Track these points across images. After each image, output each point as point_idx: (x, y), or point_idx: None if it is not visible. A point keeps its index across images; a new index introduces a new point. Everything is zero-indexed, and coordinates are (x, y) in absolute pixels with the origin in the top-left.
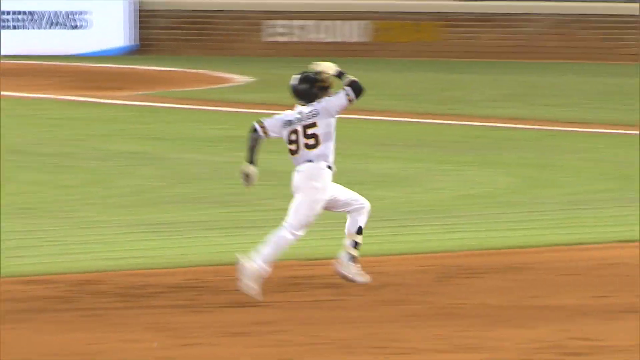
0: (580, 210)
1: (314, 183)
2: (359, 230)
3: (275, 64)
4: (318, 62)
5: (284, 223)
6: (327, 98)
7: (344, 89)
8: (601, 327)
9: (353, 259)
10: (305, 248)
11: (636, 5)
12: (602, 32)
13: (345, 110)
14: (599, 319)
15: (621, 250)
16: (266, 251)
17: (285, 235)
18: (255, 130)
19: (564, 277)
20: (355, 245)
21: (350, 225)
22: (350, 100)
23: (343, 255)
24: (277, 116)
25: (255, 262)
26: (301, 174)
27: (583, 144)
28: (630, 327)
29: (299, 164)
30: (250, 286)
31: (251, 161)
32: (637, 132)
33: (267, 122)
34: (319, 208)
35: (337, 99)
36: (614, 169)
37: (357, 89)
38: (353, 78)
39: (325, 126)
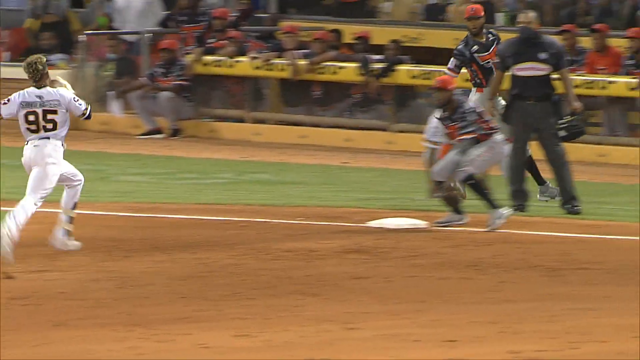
0: None
1: (51, 159)
2: (74, 206)
3: None
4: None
5: (27, 195)
6: (70, 96)
7: (86, 107)
8: None
9: (68, 233)
10: None
11: None
12: None
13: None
14: None
15: None
16: (17, 221)
17: (30, 205)
18: None
19: None
20: (71, 220)
21: (67, 201)
22: (81, 116)
23: (59, 231)
24: (11, 99)
25: (10, 231)
26: (38, 149)
27: None
28: None
29: (35, 139)
30: (8, 251)
31: None
32: None
33: (3, 109)
34: (55, 180)
35: (77, 108)
36: None
37: (90, 116)
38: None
39: (63, 114)
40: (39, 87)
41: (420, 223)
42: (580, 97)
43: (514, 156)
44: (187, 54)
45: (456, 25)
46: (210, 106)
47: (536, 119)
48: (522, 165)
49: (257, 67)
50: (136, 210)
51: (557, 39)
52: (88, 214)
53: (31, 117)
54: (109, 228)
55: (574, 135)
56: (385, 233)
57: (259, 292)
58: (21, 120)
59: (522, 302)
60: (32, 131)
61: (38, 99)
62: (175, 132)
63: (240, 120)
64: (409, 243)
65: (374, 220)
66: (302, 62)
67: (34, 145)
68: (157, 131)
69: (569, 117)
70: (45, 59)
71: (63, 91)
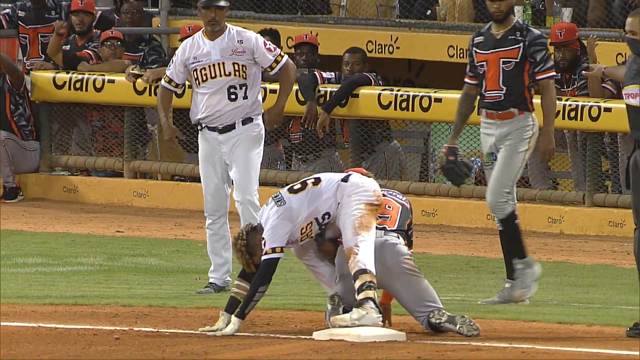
0: None
1: None
2: None
3: None
4: None
5: None
6: None
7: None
8: None
9: None
10: None
11: None
12: None
13: None
14: None
15: None
16: None
17: None
18: None
19: None
20: None
21: None
22: None
23: None
24: None
25: None
26: None
27: None
28: None
29: None
30: None
31: None
32: None
33: None
34: None
35: None
36: None
37: None
38: None
39: None
40: None
41: (398, 334)
42: None
43: None
44: (30, 69)
45: (450, 25)
46: (68, 152)
47: None
48: None
49: (142, 91)
50: None
51: None
52: None
53: None
54: None
55: None
56: (343, 349)
57: None
58: None
59: None
60: None
61: None
62: (12, 193)
63: (116, 173)
64: None
65: (322, 329)
66: None
67: None
68: None
69: None
70: None
71: None
